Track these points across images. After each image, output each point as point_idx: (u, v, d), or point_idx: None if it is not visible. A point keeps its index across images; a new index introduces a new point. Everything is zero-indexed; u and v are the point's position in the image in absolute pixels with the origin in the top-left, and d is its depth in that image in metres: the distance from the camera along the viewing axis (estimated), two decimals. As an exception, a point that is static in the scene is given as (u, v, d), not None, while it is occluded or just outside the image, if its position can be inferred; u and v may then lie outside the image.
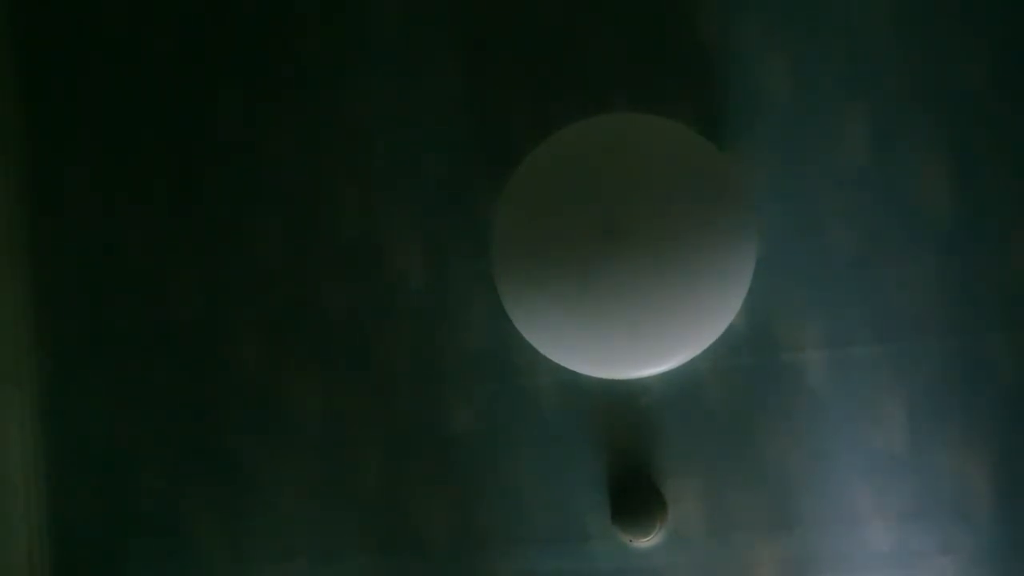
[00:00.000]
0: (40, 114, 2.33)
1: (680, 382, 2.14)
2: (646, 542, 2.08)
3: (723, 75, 2.18)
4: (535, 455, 2.17)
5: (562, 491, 2.16)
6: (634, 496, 2.04)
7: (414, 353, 2.21)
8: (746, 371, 2.13)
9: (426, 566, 2.17)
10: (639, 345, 1.76)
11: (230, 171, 2.28)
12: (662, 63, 2.20)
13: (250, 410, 2.23)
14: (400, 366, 2.21)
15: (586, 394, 2.16)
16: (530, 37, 2.24)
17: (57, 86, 2.33)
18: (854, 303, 2.12)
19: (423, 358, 2.20)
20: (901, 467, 2.10)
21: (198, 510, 2.23)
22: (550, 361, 2.17)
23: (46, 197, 2.31)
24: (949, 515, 2.09)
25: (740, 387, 2.13)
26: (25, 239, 2.31)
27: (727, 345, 2.14)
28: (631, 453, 2.15)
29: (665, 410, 2.14)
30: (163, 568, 2.23)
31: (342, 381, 2.22)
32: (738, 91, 2.18)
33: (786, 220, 2.15)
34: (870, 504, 2.10)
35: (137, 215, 2.29)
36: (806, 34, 2.18)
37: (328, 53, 2.28)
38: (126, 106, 2.31)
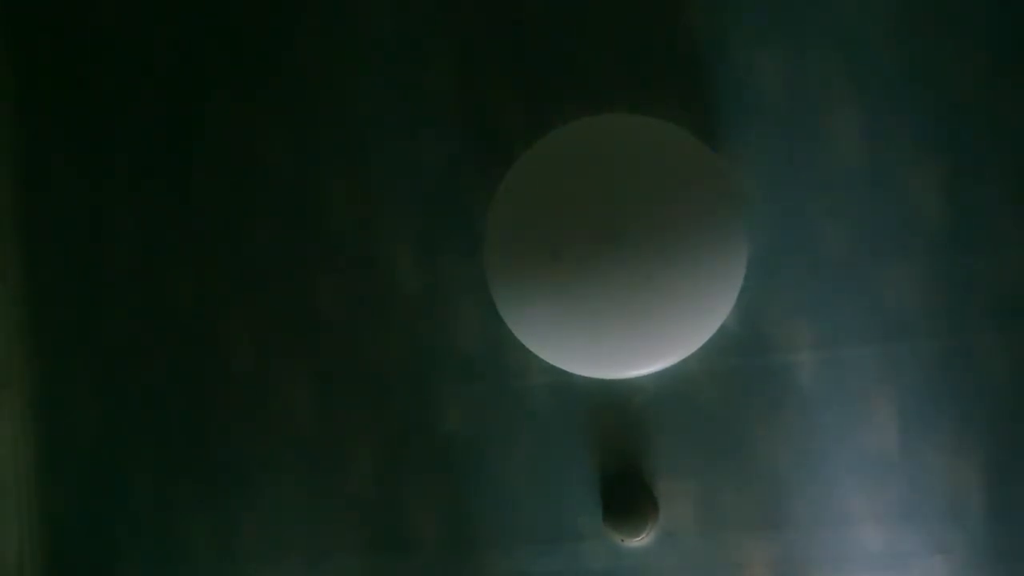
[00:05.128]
0: (33, 112, 2.32)
1: (672, 382, 2.15)
2: (638, 542, 2.08)
3: (716, 76, 2.18)
4: (527, 455, 2.17)
5: (554, 491, 2.16)
6: (626, 496, 2.04)
7: (407, 353, 2.21)
8: (738, 371, 2.14)
9: (418, 566, 2.17)
10: (631, 345, 1.76)
11: (223, 171, 2.27)
12: (655, 64, 2.20)
13: (242, 409, 2.23)
14: (393, 366, 2.21)
15: (578, 394, 2.16)
16: (523, 38, 2.24)
17: (50, 83, 2.33)
18: (846, 303, 2.13)
19: (416, 358, 2.20)
20: (892, 467, 2.10)
21: (190, 509, 2.23)
22: (542, 361, 2.17)
23: (38, 196, 2.31)
24: (940, 515, 2.09)
25: (732, 387, 2.14)
26: (17, 238, 2.30)
27: (719, 345, 2.14)
28: (623, 453, 2.15)
29: (657, 410, 2.15)
30: (154, 568, 2.22)
31: (335, 381, 2.22)
32: (731, 92, 2.18)
33: (778, 220, 2.15)
34: (861, 504, 2.10)
35: (130, 215, 2.28)
36: (799, 35, 2.18)
37: (322, 51, 2.28)
38: (120, 104, 2.31)
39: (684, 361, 2.14)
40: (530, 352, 2.15)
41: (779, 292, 2.14)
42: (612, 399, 2.15)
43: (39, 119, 2.32)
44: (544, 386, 2.17)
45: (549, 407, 2.17)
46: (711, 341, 2.15)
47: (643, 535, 2.03)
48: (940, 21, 2.16)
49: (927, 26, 2.16)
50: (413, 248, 2.22)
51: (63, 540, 2.25)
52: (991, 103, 2.14)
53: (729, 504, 2.12)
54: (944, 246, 2.12)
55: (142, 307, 2.27)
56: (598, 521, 2.14)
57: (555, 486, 2.16)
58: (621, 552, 2.14)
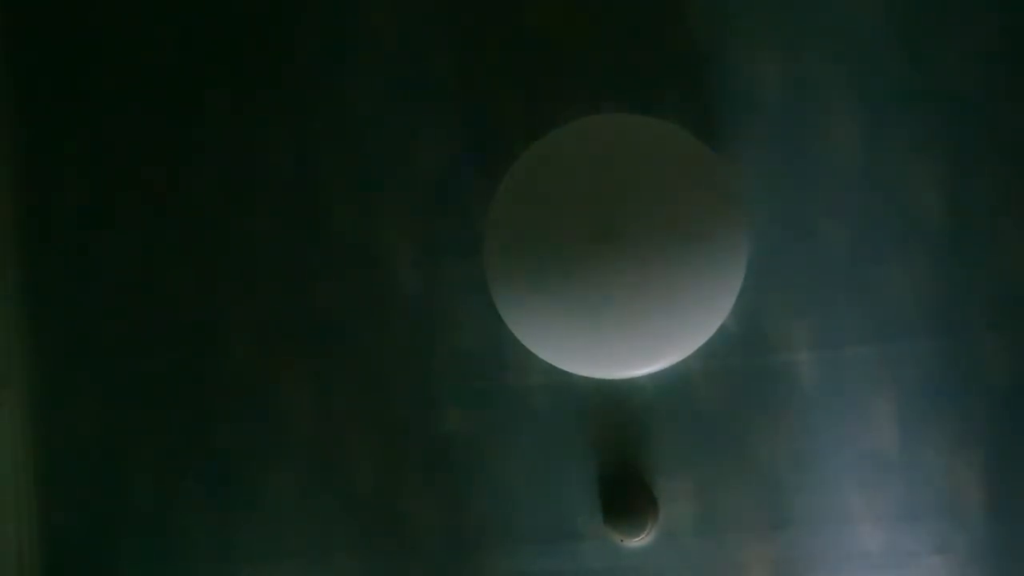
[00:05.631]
0: (33, 112, 2.32)
1: (671, 382, 2.15)
2: (637, 541, 2.08)
3: (715, 75, 2.18)
4: (527, 455, 2.17)
5: (554, 491, 2.16)
6: (625, 495, 2.04)
7: (406, 353, 2.21)
8: (737, 371, 2.14)
9: (418, 566, 2.17)
10: (631, 345, 1.76)
11: (221, 171, 2.27)
12: (654, 63, 2.20)
13: (242, 410, 2.23)
14: (392, 366, 2.21)
15: (578, 394, 2.16)
16: (522, 38, 2.24)
17: (48, 85, 2.33)
18: (845, 303, 2.13)
19: (415, 357, 2.20)
20: (892, 467, 2.10)
21: (189, 510, 2.23)
22: (542, 361, 2.17)
23: (37, 195, 2.31)
24: (940, 515, 2.09)
25: (731, 387, 2.14)
26: (16, 238, 2.30)
27: (718, 345, 2.14)
28: (622, 453, 2.15)
29: (656, 410, 2.15)
30: (154, 568, 2.22)
31: (334, 381, 2.22)
32: (730, 91, 2.18)
33: (777, 220, 2.15)
34: (861, 504, 2.10)
35: (130, 215, 2.28)
36: (798, 34, 2.18)
37: (320, 52, 2.28)
38: (117, 104, 2.31)
39: (684, 361, 2.14)
40: (530, 352, 2.15)
41: (778, 292, 2.14)
42: (611, 399, 2.15)
43: (39, 119, 2.32)
44: (544, 386, 2.17)
45: (549, 407, 2.17)
46: (711, 341, 2.15)
47: (643, 535, 2.03)
48: (940, 21, 2.16)
49: (927, 26, 2.16)
50: (413, 248, 2.22)
51: (63, 540, 2.25)
52: (991, 103, 2.14)
53: (729, 504, 2.12)
54: (944, 246, 2.12)
55: (142, 307, 2.27)
56: (598, 521, 2.15)
57: (555, 486, 2.16)
58: (621, 552, 2.14)
